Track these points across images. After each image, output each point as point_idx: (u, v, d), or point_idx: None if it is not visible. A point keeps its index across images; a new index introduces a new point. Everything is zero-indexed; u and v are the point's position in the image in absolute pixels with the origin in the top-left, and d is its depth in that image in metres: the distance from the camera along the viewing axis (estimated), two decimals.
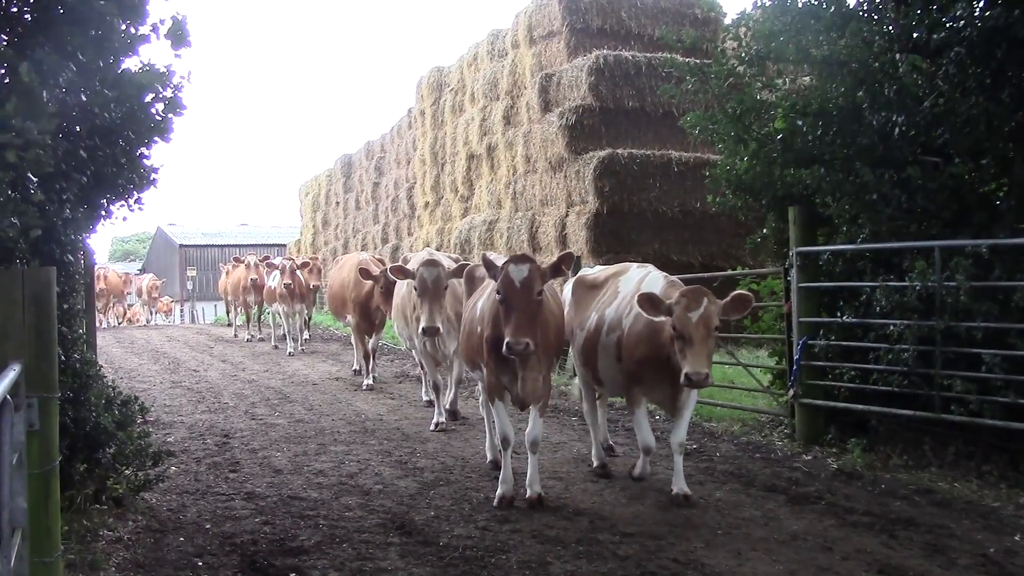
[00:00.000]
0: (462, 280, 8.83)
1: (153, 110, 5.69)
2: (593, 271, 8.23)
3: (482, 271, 8.06)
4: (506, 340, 6.17)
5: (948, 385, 7.40)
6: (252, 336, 22.10)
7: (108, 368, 14.24)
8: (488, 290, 7.14)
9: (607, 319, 7.22)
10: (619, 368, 7.10)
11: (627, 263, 7.78)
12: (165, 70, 5.54)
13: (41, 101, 4.17)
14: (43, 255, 5.30)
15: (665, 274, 7.12)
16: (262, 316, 22.92)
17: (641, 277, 7.25)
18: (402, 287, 11.12)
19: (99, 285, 26.16)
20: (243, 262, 22.12)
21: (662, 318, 6.29)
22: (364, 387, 13.25)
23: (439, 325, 9.18)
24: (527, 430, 6.96)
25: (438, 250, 18.92)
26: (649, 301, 6.30)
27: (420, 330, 9.26)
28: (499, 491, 6.80)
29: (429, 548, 5.72)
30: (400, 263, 10.63)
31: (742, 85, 9.98)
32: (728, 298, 6.38)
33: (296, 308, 18.98)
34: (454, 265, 9.52)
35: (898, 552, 5.53)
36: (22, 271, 3.91)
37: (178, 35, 5.38)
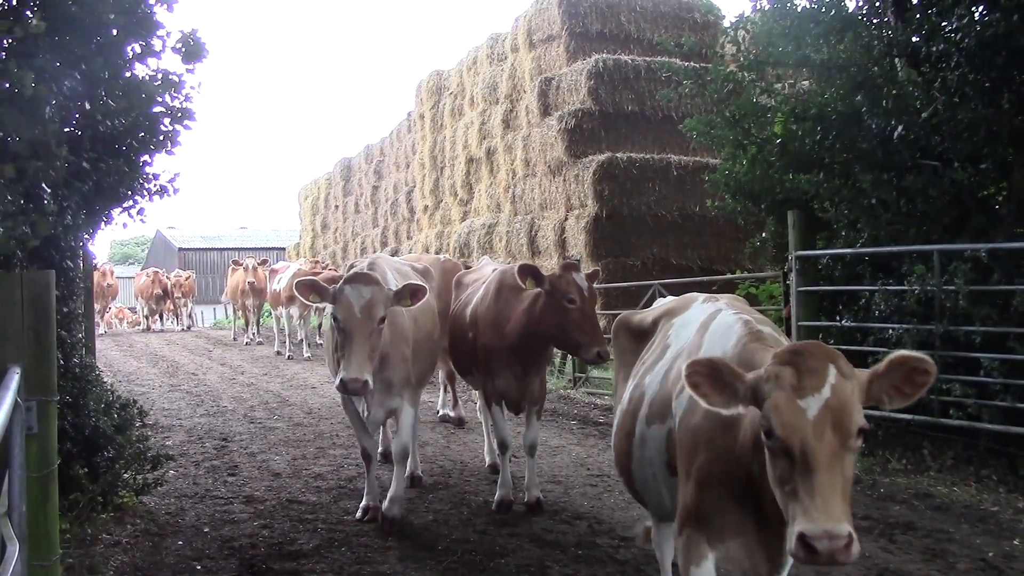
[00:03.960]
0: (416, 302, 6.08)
1: (160, 121, 5.67)
2: (650, 311, 4.71)
3: (472, 276, 8.02)
4: (592, 349, 6.22)
5: (947, 389, 7.40)
6: (251, 340, 22.07)
7: (107, 372, 14.23)
8: (480, 293, 7.11)
9: (648, 395, 4.00)
10: (667, 483, 3.84)
11: (692, 294, 4.48)
12: (177, 79, 5.51)
13: (44, 113, 4.19)
14: (43, 260, 5.30)
15: (746, 315, 3.72)
16: (260, 319, 22.87)
17: (705, 319, 3.90)
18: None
19: (108, 280, 25.57)
20: (242, 265, 22.04)
21: (739, 410, 2.99)
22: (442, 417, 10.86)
23: (367, 378, 5.59)
24: (524, 433, 6.97)
25: (438, 253, 18.94)
26: (710, 374, 2.98)
27: (338, 382, 5.73)
28: (498, 495, 6.79)
29: (427, 552, 5.72)
30: (353, 270, 6.72)
31: (741, 89, 10.00)
32: (883, 364, 2.93)
33: (303, 313, 18.94)
34: (402, 283, 6.25)
35: (897, 556, 5.52)
36: (21, 274, 3.91)
37: (192, 48, 5.34)
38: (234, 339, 23.33)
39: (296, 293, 6.06)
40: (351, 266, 7.29)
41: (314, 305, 6.62)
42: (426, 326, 6.86)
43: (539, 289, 6.43)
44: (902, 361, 2.94)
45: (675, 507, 3.78)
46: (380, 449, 7.82)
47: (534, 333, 6.54)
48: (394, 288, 6.05)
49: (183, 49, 5.35)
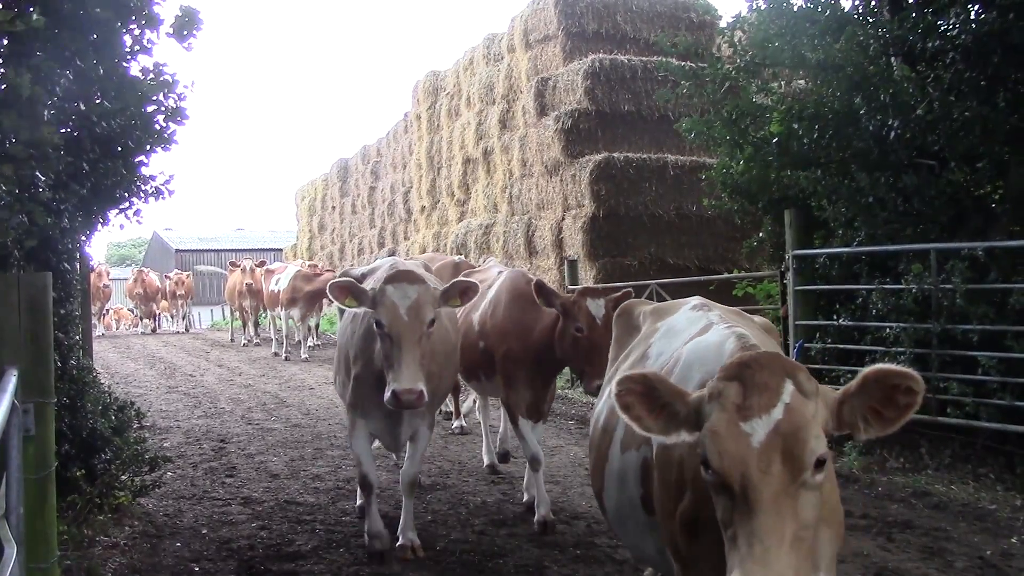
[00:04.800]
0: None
1: (155, 120, 5.66)
2: (652, 304, 4.26)
3: (477, 276, 7.86)
4: (594, 381, 5.84)
5: (944, 388, 7.42)
6: (249, 341, 22.04)
7: (104, 373, 14.21)
8: (491, 298, 6.88)
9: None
10: (647, 525, 3.18)
11: (687, 299, 3.87)
12: (169, 78, 5.49)
13: (40, 113, 4.19)
14: (39, 262, 5.30)
15: (740, 328, 3.04)
16: (258, 320, 22.84)
17: (694, 332, 3.29)
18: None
19: (104, 281, 25.22)
20: (239, 267, 21.97)
21: (681, 437, 2.47)
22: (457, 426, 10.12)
23: (423, 387, 4.97)
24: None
25: (435, 253, 18.91)
26: (645, 393, 2.48)
27: (389, 395, 4.97)
28: (539, 514, 6.31)
29: (426, 552, 5.71)
30: (347, 275, 6.10)
31: (738, 88, 10.01)
32: (856, 381, 2.40)
33: (304, 315, 18.96)
34: (439, 281, 5.93)
35: (895, 555, 5.53)
36: (18, 276, 3.91)
37: (187, 22, 5.28)
38: (231, 340, 23.30)
39: (330, 296, 5.25)
40: (344, 271, 6.80)
41: (349, 307, 5.40)
42: (452, 335, 6.22)
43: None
44: (880, 376, 2.36)
45: (662, 560, 3.13)
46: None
47: (553, 350, 6.34)
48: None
49: (178, 27, 5.30)
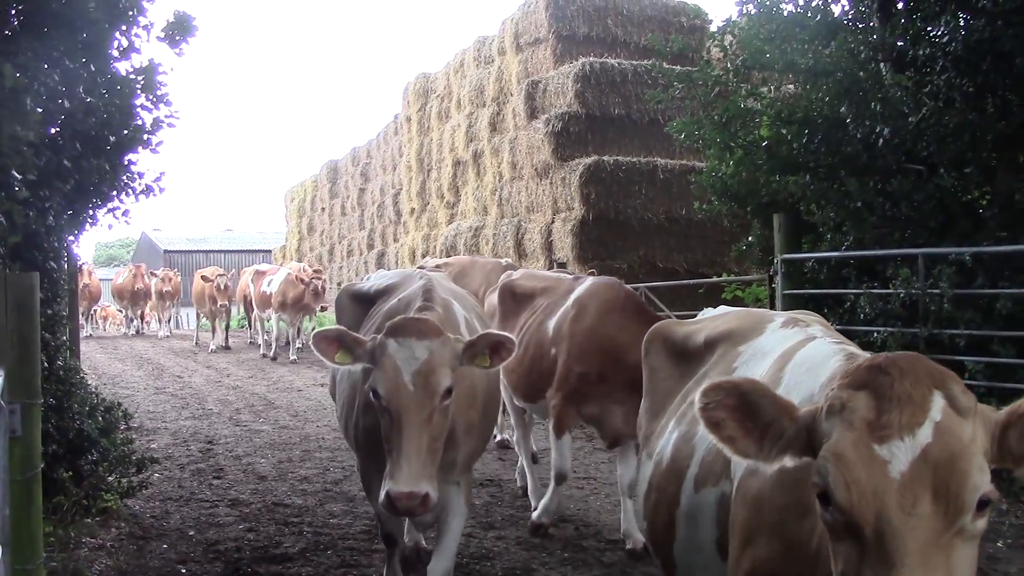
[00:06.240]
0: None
1: (139, 116, 5.64)
2: (701, 324, 3.44)
3: (530, 284, 7.01)
4: None
5: None
6: (218, 347, 21.45)
7: (91, 374, 14.14)
8: (567, 308, 6.26)
9: (701, 449, 2.79)
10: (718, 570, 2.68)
11: (758, 311, 3.42)
12: (149, 63, 5.45)
13: (25, 106, 4.16)
14: (25, 261, 5.28)
15: (849, 345, 2.59)
16: (250, 323, 22.70)
17: (788, 348, 2.71)
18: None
19: (84, 280, 24.46)
20: (211, 281, 20.86)
21: (783, 462, 1.94)
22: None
23: (428, 490, 3.55)
24: (621, 473, 6.14)
25: (423, 256, 18.84)
26: (739, 407, 1.96)
27: (383, 497, 3.58)
28: (538, 516, 6.23)
29: None
30: (355, 293, 5.50)
31: (728, 92, 10.05)
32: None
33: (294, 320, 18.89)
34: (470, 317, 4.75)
35: None
36: (5, 276, 3.89)
37: (181, 28, 5.27)
38: (196, 344, 22.87)
39: (316, 351, 3.86)
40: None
41: (341, 364, 3.90)
42: (494, 373, 4.57)
43: None
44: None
45: None
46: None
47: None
48: (465, 334, 4.13)
49: (171, 32, 5.29)
